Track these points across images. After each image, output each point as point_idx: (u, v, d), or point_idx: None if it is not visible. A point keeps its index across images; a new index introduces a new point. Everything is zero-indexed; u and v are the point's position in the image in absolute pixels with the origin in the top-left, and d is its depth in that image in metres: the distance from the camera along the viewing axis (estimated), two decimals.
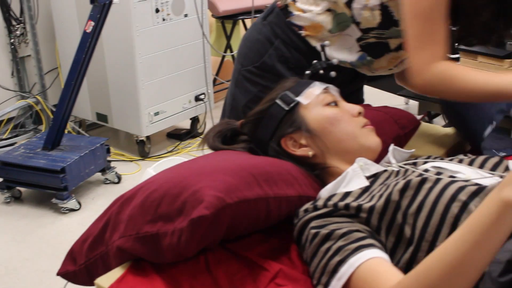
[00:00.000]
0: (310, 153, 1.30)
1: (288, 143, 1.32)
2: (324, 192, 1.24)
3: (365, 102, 1.84)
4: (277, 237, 1.24)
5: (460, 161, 1.21)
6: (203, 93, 3.68)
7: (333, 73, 1.43)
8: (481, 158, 1.21)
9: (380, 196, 1.10)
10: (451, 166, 1.18)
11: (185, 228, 1.05)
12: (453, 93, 1.39)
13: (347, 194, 1.16)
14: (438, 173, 1.12)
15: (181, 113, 3.62)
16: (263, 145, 1.35)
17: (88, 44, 2.81)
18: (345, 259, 1.02)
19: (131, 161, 3.53)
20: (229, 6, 3.91)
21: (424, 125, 1.73)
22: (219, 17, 3.97)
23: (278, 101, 1.34)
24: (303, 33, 1.59)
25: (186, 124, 3.83)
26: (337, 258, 1.02)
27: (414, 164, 1.26)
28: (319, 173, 1.30)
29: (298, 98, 1.33)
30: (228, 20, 4.06)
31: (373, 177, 1.22)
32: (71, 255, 1.27)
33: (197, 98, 3.66)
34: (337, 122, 1.29)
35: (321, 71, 1.41)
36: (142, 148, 3.53)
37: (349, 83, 1.68)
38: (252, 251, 1.19)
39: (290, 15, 1.61)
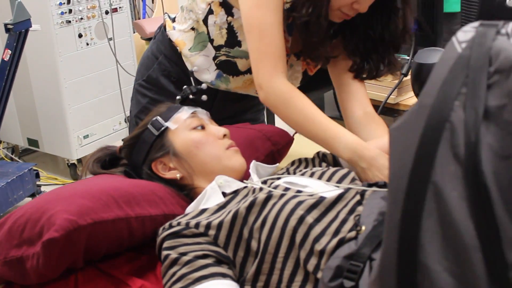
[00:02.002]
0: (178, 175, 1.38)
1: (158, 167, 1.40)
2: (189, 210, 1.32)
3: None
4: (148, 254, 1.31)
5: (312, 174, 1.30)
6: None
7: (204, 97, 1.51)
8: (330, 171, 1.30)
9: (229, 212, 1.18)
10: (302, 180, 1.27)
11: (40, 251, 1.12)
12: (287, 118, 1.46)
13: (203, 211, 1.24)
14: (286, 189, 1.21)
15: (112, 134, 3.67)
16: (137, 168, 1.43)
17: (7, 72, 2.84)
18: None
19: (64, 184, 3.56)
20: (156, 28, 3.97)
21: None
22: (147, 38, 4.05)
23: (150, 127, 1.42)
24: (179, 49, 1.69)
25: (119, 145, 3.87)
26: (179, 285, 1.10)
27: (274, 179, 1.35)
28: (188, 193, 1.38)
29: (167, 124, 1.41)
30: None
31: (234, 194, 1.30)
32: None
33: (127, 120, 3.73)
34: (202, 145, 1.38)
35: (191, 96, 1.49)
36: (74, 171, 3.57)
37: (234, 102, 1.77)
38: (121, 269, 1.26)
39: (168, 32, 1.72)
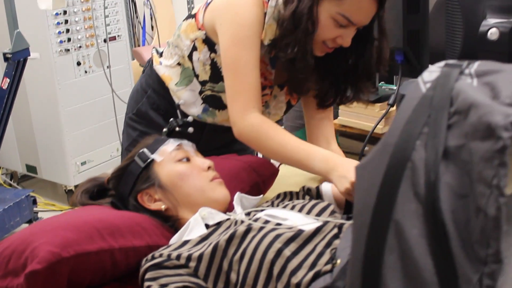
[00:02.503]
0: (163, 207, 1.40)
1: (144, 198, 1.42)
2: (172, 241, 1.34)
3: None
4: (132, 285, 1.33)
5: (293, 207, 1.33)
6: None
7: (190, 129, 1.54)
8: (310, 204, 1.33)
9: (210, 244, 1.20)
10: (282, 213, 1.29)
11: (23, 282, 1.14)
12: (263, 149, 1.52)
13: (185, 243, 1.26)
14: (267, 222, 1.23)
15: (109, 161, 3.70)
16: (124, 200, 1.45)
17: (5, 100, 2.89)
18: None
19: (61, 210, 3.58)
20: None
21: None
22: None
23: (136, 159, 1.45)
24: (166, 83, 1.73)
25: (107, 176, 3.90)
26: None
27: (258, 211, 1.37)
28: (173, 224, 1.40)
29: (153, 156, 1.44)
30: None
31: (216, 226, 1.32)
32: None
33: None
34: (186, 177, 1.41)
35: (178, 128, 1.52)
36: None
37: (223, 133, 1.80)
38: None
39: (155, 67, 1.76)
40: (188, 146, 1.48)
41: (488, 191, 0.68)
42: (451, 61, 0.89)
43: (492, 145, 0.68)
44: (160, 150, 1.45)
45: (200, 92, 1.67)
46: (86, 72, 3.46)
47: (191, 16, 1.65)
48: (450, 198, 0.74)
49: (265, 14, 1.52)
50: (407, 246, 0.75)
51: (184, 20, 1.69)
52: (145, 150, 1.45)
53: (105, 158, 3.67)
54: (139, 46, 4.72)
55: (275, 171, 1.65)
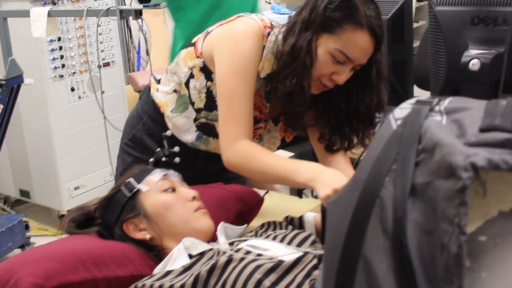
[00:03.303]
0: (148, 236, 1.42)
1: (129, 228, 1.44)
2: (156, 271, 1.35)
3: None
4: None
5: (275, 237, 1.35)
6: None
7: (177, 159, 1.56)
8: (292, 234, 1.34)
9: (192, 274, 1.22)
10: (264, 243, 1.31)
11: None
12: (251, 172, 1.54)
13: (168, 273, 1.27)
14: (248, 252, 1.25)
15: (103, 185, 3.71)
16: (110, 229, 1.47)
17: None
18: None
19: (54, 235, 3.59)
20: (147, 81, 4.06)
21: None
22: (139, 91, 4.13)
23: (123, 188, 1.47)
24: (162, 110, 1.75)
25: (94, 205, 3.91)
26: None
27: (242, 241, 1.39)
28: (157, 253, 1.42)
29: (139, 186, 1.46)
30: None
31: (200, 256, 1.34)
32: None
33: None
34: (171, 207, 1.43)
35: (164, 158, 1.54)
36: None
37: (217, 161, 1.82)
38: None
39: (152, 93, 1.78)
40: (174, 176, 1.50)
41: (450, 229, 0.70)
42: (422, 98, 0.92)
43: (453, 185, 0.70)
44: (146, 180, 1.47)
45: (195, 120, 1.70)
46: (80, 97, 3.49)
47: (191, 44, 1.69)
48: (417, 234, 0.76)
49: (263, 47, 1.55)
50: (376, 282, 0.77)
51: (183, 48, 1.72)
52: (132, 180, 1.47)
53: (99, 183, 3.68)
54: (133, 71, 4.76)
55: (260, 200, 1.67)
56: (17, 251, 3.27)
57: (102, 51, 3.58)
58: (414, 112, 0.87)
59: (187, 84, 1.67)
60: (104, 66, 3.59)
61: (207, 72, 1.63)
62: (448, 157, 0.72)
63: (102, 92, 3.55)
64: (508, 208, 0.75)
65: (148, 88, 1.83)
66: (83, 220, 1.54)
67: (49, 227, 3.68)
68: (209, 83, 1.63)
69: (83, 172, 3.57)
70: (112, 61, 3.67)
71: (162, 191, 1.45)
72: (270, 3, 4.45)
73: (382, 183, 0.80)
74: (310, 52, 1.47)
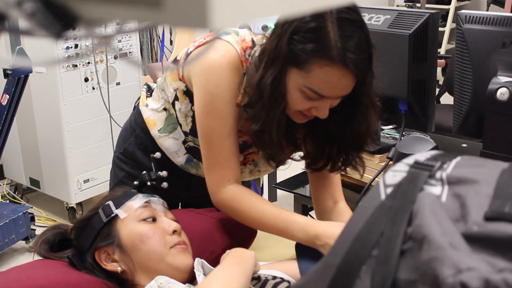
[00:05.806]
0: (119, 268, 1.29)
1: (101, 256, 1.31)
2: None
3: None
4: None
5: (255, 285, 1.20)
6: None
7: (165, 184, 1.42)
8: (271, 283, 1.21)
9: None
10: None
11: None
12: (242, 221, 1.43)
13: None
14: None
15: None
16: (82, 255, 1.34)
17: (4, 116, 2.82)
18: None
19: None
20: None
21: None
22: None
23: (100, 212, 1.34)
24: (149, 128, 1.62)
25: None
26: None
27: None
28: None
29: (117, 211, 1.32)
30: None
31: None
32: None
33: None
34: (147, 239, 1.28)
35: (149, 183, 1.40)
36: (73, 215, 3.51)
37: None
38: None
39: (140, 107, 1.65)
40: (157, 204, 1.36)
41: None
42: (421, 158, 0.76)
43: None
44: (126, 206, 1.33)
45: (184, 142, 1.56)
46: (93, 88, 3.37)
47: (176, 60, 1.54)
48: None
49: (244, 74, 1.38)
50: None
51: (172, 62, 1.58)
52: (110, 203, 1.34)
53: (109, 177, 3.57)
54: (156, 61, 4.64)
55: (253, 233, 1.52)
56: (21, 243, 3.19)
57: (120, 41, 3.46)
58: (409, 180, 0.71)
59: (173, 104, 1.53)
60: (120, 57, 3.47)
61: (191, 96, 1.47)
62: (435, 265, 0.56)
63: (118, 84, 3.46)
64: None
65: (139, 99, 1.69)
66: (57, 241, 1.41)
67: (57, 218, 3.60)
68: (194, 107, 1.47)
69: (93, 165, 3.47)
70: (130, 52, 3.54)
71: (140, 220, 1.31)
72: None
73: (358, 273, 0.65)
74: (277, 90, 1.28)
